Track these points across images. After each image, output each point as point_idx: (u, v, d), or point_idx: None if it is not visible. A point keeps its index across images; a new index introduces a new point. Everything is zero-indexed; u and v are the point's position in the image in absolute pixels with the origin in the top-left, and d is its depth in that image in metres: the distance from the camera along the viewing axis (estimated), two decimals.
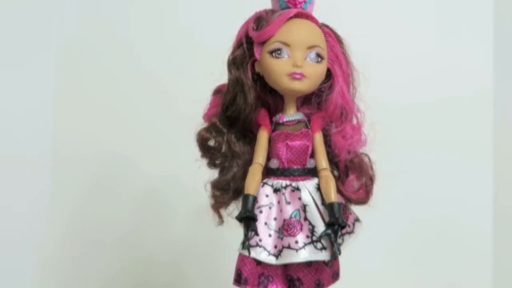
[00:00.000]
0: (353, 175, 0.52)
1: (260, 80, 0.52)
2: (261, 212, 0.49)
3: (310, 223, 0.48)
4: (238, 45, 0.51)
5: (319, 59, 0.49)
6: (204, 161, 0.53)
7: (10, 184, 0.83)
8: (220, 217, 0.54)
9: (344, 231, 0.50)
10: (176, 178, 0.86)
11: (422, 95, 0.92)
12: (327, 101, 0.51)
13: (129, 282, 0.88)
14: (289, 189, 0.49)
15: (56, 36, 0.89)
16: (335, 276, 0.51)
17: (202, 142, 0.52)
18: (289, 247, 0.47)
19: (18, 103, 0.84)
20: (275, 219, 0.49)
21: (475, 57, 0.95)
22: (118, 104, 0.89)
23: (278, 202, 0.49)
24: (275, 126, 0.51)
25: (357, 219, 0.53)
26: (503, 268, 0.93)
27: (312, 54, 0.49)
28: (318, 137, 0.50)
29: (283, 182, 0.50)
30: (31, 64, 0.86)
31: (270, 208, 0.49)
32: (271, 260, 0.48)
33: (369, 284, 0.89)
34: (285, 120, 0.51)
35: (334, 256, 0.47)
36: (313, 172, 0.51)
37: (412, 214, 0.91)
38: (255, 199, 0.49)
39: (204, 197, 0.53)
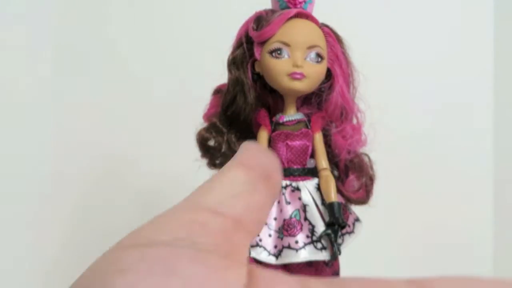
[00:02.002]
0: (353, 175, 0.52)
1: (260, 80, 0.52)
2: None
3: (310, 223, 0.48)
4: (238, 45, 0.51)
5: (319, 59, 0.49)
6: (204, 161, 0.53)
7: (10, 184, 0.83)
8: None
9: (344, 231, 0.50)
10: (176, 178, 0.85)
11: (422, 94, 0.92)
12: (327, 101, 0.51)
13: None
14: (289, 189, 0.49)
15: (54, 36, 0.89)
16: (335, 276, 0.51)
17: (202, 142, 0.52)
18: (289, 247, 0.47)
19: (16, 103, 0.84)
20: (275, 219, 0.49)
21: (476, 56, 0.95)
22: (118, 103, 0.89)
23: (278, 202, 0.49)
24: (275, 126, 0.51)
25: (357, 219, 0.53)
26: (504, 264, 0.93)
27: (312, 54, 0.49)
28: (318, 137, 0.50)
29: (283, 182, 0.50)
30: (28, 64, 0.86)
31: None
32: (271, 260, 0.47)
33: None
34: (285, 120, 0.51)
35: (334, 256, 0.47)
36: (313, 172, 0.51)
37: (412, 214, 0.91)
38: None
39: None
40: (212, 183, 0.15)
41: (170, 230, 0.13)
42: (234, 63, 0.51)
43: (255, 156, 0.16)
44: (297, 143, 0.50)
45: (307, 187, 0.49)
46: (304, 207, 0.48)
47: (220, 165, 0.52)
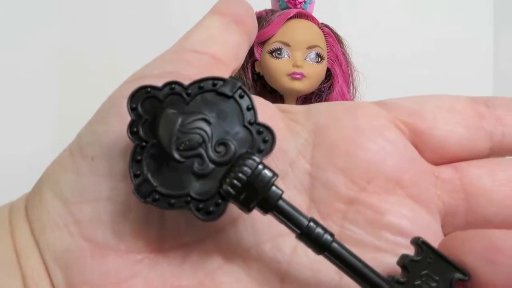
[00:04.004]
0: None
1: (260, 80, 0.52)
2: None
3: None
4: None
5: (319, 59, 0.49)
6: None
7: (11, 185, 0.83)
8: None
9: None
10: None
11: (422, 87, 0.92)
12: (327, 101, 0.51)
13: None
14: None
15: (57, 36, 0.89)
16: None
17: None
18: None
19: (19, 102, 0.84)
20: None
21: (476, 56, 0.95)
22: None
23: None
24: None
25: None
26: None
27: (312, 54, 0.49)
28: None
29: None
30: (30, 63, 0.86)
31: None
32: None
33: None
34: None
35: None
36: None
37: None
38: None
39: None
40: (192, 30, 0.18)
41: (160, 66, 0.16)
42: None
43: (227, 5, 0.18)
44: None
45: None
46: None
47: None
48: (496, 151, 0.16)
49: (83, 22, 0.91)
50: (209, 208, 0.14)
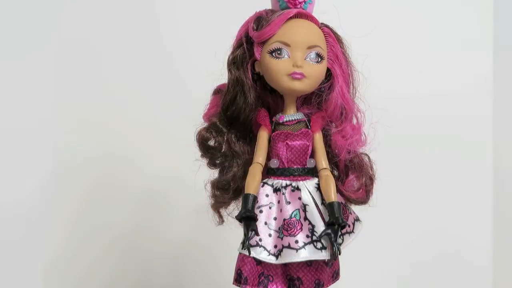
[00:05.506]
0: (353, 175, 0.52)
1: (260, 80, 0.52)
2: (261, 212, 0.49)
3: (310, 223, 0.48)
4: (238, 45, 0.51)
5: (319, 59, 0.49)
6: (204, 161, 0.53)
7: (11, 185, 0.83)
8: (220, 216, 0.54)
9: (344, 230, 0.50)
10: (176, 178, 0.86)
11: (422, 94, 0.92)
12: (327, 101, 0.51)
13: (129, 281, 0.88)
14: (289, 188, 0.49)
15: (56, 37, 0.89)
16: (335, 275, 0.51)
17: (202, 142, 0.52)
18: (289, 246, 0.47)
19: (19, 103, 0.84)
20: (275, 218, 0.49)
21: (475, 56, 0.95)
22: (118, 103, 0.89)
23: (278, 202, 0.49)
24: (275, 126, 0.51)
25: (357, 219, 0.53)
26: (503, 264, 0.94)
27: (312, 54, 0.49)
28: (318, 137, 0.51)
29: (283, 181, 0.50)
30: (32, 66, 0.86)
31: (270, 208, 0.49)
32: (271, 259, 0.48)
33: (369, 284, 0.89)
34: (285, 120, 0.51)
35: (334, 256, 0.47)
36: (313, 172, 0.51)
37: (412, 214, 0.91)
38: (255, 199, 0.49)
39: (204, 197, 0.53)
40: None
41: None
42: (234, 63, 0.51)
43: None
44: (297, 143, 0.50)
45: (307, 187, 0.49)
46: (304, 207, 0.48)
47: (220, 165, 0.52)
48: None
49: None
50: None
